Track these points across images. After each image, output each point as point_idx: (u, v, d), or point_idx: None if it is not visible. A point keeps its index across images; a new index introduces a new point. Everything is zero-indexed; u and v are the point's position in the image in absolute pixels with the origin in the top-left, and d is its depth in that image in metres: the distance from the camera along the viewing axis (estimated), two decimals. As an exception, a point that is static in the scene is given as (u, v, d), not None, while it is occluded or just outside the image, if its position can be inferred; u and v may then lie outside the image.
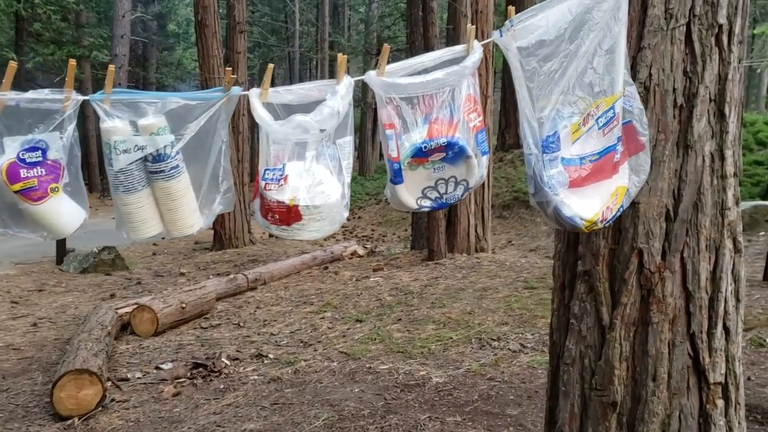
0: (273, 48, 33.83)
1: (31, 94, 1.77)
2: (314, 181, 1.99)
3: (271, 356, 5.57)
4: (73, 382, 4.39)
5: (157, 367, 5.39)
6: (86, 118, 20.89)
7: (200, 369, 5.22)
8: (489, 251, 10.52)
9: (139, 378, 5.15)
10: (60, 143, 1.86)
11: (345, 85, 2.00)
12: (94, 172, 25.88)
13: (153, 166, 1.96)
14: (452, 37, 10.78)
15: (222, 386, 4.91)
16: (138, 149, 1.91)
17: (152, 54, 32.93)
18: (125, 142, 1.89)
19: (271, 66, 1.99)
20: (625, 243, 2.47)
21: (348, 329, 6.37)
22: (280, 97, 1.97)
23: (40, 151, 1.84)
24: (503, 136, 20.29)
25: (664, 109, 2.38)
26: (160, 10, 33.28)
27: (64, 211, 1.94)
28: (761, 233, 10.91)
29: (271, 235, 13.59)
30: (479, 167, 2.23)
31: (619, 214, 2.26)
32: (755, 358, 4.94)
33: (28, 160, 1.82)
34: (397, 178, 2.15)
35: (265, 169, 2.02)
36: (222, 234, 12.92)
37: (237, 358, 5.55)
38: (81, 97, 1.83)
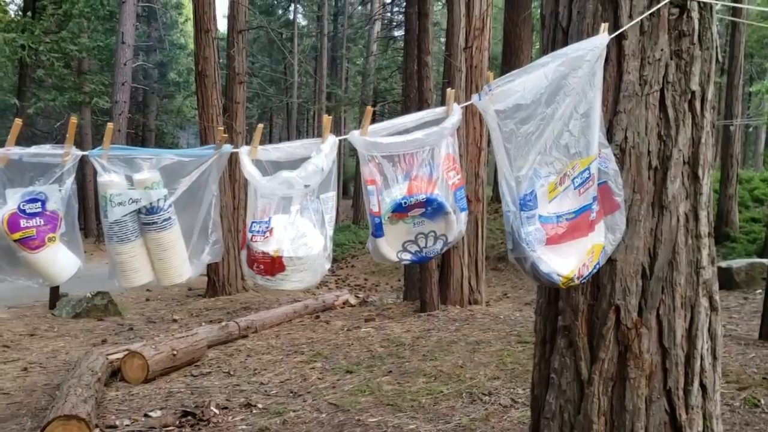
0: (272, 98, 34.30)
1: (34, 149, 1.88)
2: (298, 233, 2.08)
3: (260, 406, 5.55)
4: (61, 428, 4.38)
5: (145, 415, 5.36)
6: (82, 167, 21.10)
7: (189, 417, 5.20)
8: (483, 304, 10.46)
9: (127, 425, 5.12)
10: (59, 195, 1.96)
11: (329, 143, 2.11)
12: (90, 217, 25.90)
13: (146, 218, 2.06)
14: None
15: (210, 435, 4.90)
16: (132, 202, 2.01)
17: (152, 101, 33.33)
18: (120, 195, 1.99)
19: (260, 126, 2.10)
20: (603, 299, 2.53)
21: (338, 380, 6.36)
22: (268, 154, 2.07)
23: (39, 203, 1.94)
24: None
25: (639, 170, 2.48)
26: (162, 59, 33.78)
27: (60, 260, 2.03)
28: (758, 291, 10.81)
29: (264, 283, 13.50)
30: (458, 223, 2.32)
31: (595, 271, 2.32)
32: (749, 419, 4.88)
33: (28, 211, 1.92)
34: (378, 231, 2.23)
35: (252, 222, 2.11)
36: (215, 281, 12.92)
37: (226, 407, 5.53)
38: (80, 153, 1.92)
